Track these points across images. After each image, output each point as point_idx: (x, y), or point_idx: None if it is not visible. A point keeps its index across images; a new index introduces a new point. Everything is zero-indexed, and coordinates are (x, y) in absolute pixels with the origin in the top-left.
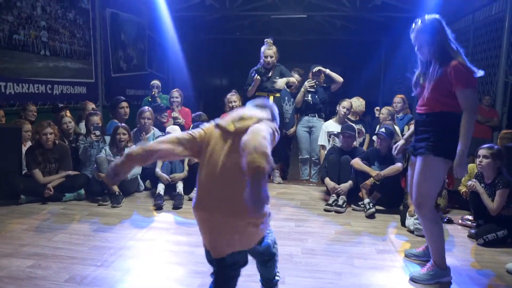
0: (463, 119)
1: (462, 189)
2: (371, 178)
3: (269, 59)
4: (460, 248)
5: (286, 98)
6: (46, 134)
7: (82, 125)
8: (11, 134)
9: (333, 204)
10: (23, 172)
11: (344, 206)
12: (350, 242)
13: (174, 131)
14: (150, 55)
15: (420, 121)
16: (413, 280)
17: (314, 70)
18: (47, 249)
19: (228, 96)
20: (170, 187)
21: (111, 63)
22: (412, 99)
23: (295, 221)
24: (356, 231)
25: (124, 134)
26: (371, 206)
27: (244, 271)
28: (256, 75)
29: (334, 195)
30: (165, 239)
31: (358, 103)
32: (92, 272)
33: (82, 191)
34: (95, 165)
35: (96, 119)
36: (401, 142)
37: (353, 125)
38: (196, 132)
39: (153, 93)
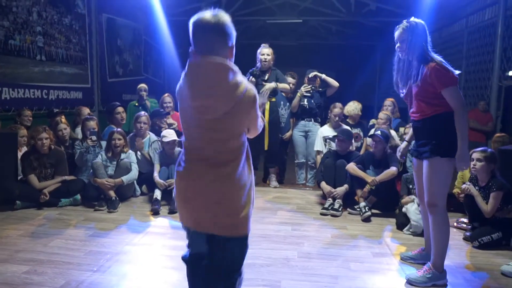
0: (455, 116)
1: (456, 191)
2: (367, 185)
3: (265, 56)
4: (456, 251)
5: (282, 102)
6: (42, 139)
7: (78, 130)
8: (6, 139)
9: (329, 208)
10: (19, 177)
11: (340, 209)
12: (346, 245)
13: (170, 135)
14: (146, 60)
15: (418, 128)
16: (409, 282)
17: (310, 76)
18: (42, 255)
19: None
20: (167, 192)
21: (107, 68)
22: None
23: (292, 225)
24: (352, 235)
25: (119, 139)
26: (367, 210)
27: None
28: (251, 77)
29: (330, 199)
30: (162, 244)
31: (353, 107)
32: (88, 278)
33: (78, 196)
34: (91, 170)
35: (92, 124)
36: (403, 144)
37: (349, 129)
38: None
39: (142, 95)
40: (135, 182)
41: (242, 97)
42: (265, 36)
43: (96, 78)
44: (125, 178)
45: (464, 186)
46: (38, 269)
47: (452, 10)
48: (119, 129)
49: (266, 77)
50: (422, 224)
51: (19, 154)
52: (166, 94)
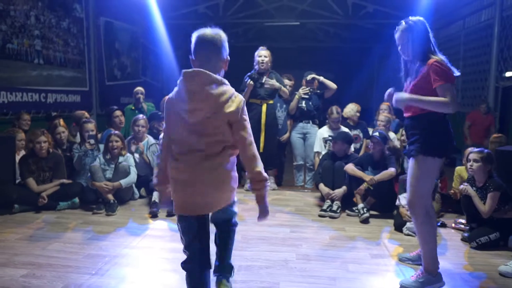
0: (440, 102)
1: (453, 190)
2: (365, 183)
3: (263, 58)
4: (454, 252)
5: (278, 104)
6: (40, 142)
7: (76, 134)
8: (4, 143)
9: (328, 210)
10: (17, 181)
11: (338, 211)
12: (344, 247)
13: None
14: (144, 63)
15: (408, 125)
16: None
17: (308, 78)
18: (41, 258)
19: None
20: None
21: (105, 71)
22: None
23: (290, 227)
24: (350, 236)
25: (116, 141)
26: (365, 211)
27: (238, 277)
28: (249, 80)
29: (328, 200)
30: (160, 247)
31: (349, 108)
32: (86, 281)
33: (77, 200)
34: (90, 174)
35: (91, 127)
36: None
37: (348, 131)
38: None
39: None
40: (133, 185)
41: (226, 103)
42: (263, 38)
43: (94, 82)
44: (123, 182)
45: (461, 186)
46: (37, 272)
47: (449, 11)
48: (116, 132)
49: (264, 79)
50: None
51: (17, 158)
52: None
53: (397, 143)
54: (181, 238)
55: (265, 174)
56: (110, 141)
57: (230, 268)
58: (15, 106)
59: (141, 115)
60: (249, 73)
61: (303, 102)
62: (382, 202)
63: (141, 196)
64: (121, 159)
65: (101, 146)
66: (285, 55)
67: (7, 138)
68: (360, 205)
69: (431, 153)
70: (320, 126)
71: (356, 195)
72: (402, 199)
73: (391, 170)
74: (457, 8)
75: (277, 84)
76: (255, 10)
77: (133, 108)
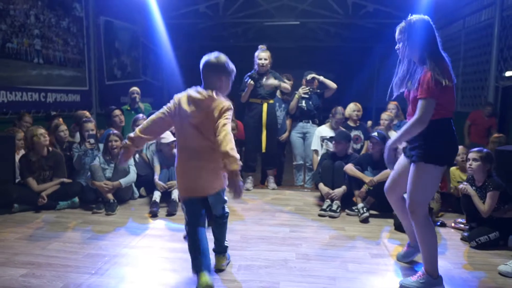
0: (412, 120)
1: (453, 185)
2: (365, 185)
3: (263, 61)
4: (453, 251)
5: (277, 104)
6: (42, 133)
7: (76, 134)
8: (4, 142)
9: (327, 209)
10: (17, 180)
11: (338, 211)
12: (344, 246)
13: (168, 137)
14: (144, 62)
15: None
16: None
17: (308, 78)
18: (40, 258)
19: None
20: (166, 195)
21: (105, 70)
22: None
23: (290, 227)
24: (350, 236)
25: (116, 140)
26: (365, 211)
27: (238, 277)
28: (249, 80)
29: (328, 200)
30: (160, 246)
31: (348, 107)
32: (86, 280)
33: (76, 199)
34: (89, 173)
35: (91, 126)
36: (404, 144)
37: (347, 131)
38: (169, 104)
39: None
40: (133, 184)
41: (214, 109)
42: (263, 38)
43: (94, 81)
44: (123, 181)
45: (461, 186)
46: (36, 272)
47: (449, 11)
48: (115, 131)
49: (263, 81)
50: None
51: (17, 157)
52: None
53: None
54: (185, 216)
55: (234, 153)
56: (109, 141)
57: (225, 248)
58: (14, 105)
59: (141, 115)
60: (249, 73)
61: (303, 101)
62: (381, 202)
63: (140, 196)
64: None
65: (101, 146)
66: (285, 54)
67: (7, 138)
68: (360, 205)
69: (433, 161)
70: (319, 126)
71: (356, 194)
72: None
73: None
74: (457, 8)
75: (275, 82)
76: (255, 10)
77: (128, 108)
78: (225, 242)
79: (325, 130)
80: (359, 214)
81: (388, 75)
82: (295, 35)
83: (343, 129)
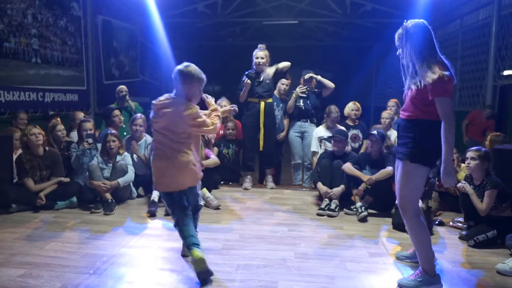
0: (443, 127)
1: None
2: (363, 184)
3: (259, 60)
4: (451, 250)
5: (276, 103)
6: (35, 134)
7: (73, 134)
8: (1, 142)
9: (326, 209)
10: (14, 180)
11: (336, 210)
12: (342, 245)
13: None
14: (143, 62)
15: (401, 126)
16: (401, 287)
17: (305, 77)
18: (38, 258)
19: (218, 102)
20: None
21: (103, 70)
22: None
23: (288, 226)
24: (348, 235)
25: (113, 141)
26: (363, 210)
27: (236, 276)
28: (246, 78)
29: (326, 199)
30: (158, 246)
31: (347, 106)
32: (84, 280)
33: (74, 199)
34: (87, 173)
35: (89, 126)
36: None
37: (345, 130)
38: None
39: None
40: (131, 184)
41: (183, 113)
42: (261, 37)
43: (92, 80)
44: (121, 180)
45: (459, 184)
46: (34, 272)
47: (447, 10)
48: (113, 131)
49: (261, 78)
50: None
51: (14, 157)
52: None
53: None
54: (168, 208)
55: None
56: (107, 141)
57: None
58: (12, 105)
59: (139, 114)
60: (246, 72)
61: (301, 101)
62: (380, 201)
63: (139, 195)
64: (118, 158)
65: (99, 146)
66: (283, 54)
67: (4, 137)
68: (358, 204)
69: (419, 161)
70: (318, 125)
71: (354, 193)
72: None
73: (389, 169)
74: (455, 7)
75: (272, 69)
76: (253, 9)
77: (116, 107)
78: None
79: (322, 131)
80: (358, 213)
81: (386, 74)
82: (293, 34)
83: (341, 128)
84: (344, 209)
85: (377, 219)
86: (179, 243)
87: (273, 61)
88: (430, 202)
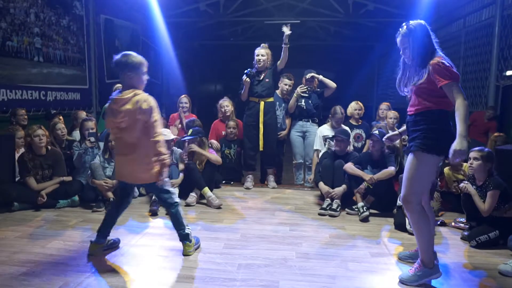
0: (456, 105)
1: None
2: (365, 183)
3: (260, 57)
4: (453, 250)
5: (277, 103)
6: (39, 135)
7: (75, 133)
8: (4, 140)
9: (327, 208)
10: (16, 179)
11: (338, 210)
12: (344, 245)
13: (168, 134)
14: None
15: (410, 122)
16: (402, 282)
17: (307, 77)
18: (40, 256)
19: (220, 101)
20: None
21: (105, 69)
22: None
23: (290, 226)
24: (350, 235)
25: None
26: (365, 210)
27: (238, 276)
28: (245, 77)
29: (328, 199)
30: (159, 245)
31: (349, 106)
32: (86, 279)
33: (76, 198)
34: (89, 172)
35: (91, 124)
36: (394, 132)
37: (347, 129)
38: None
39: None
40: None
41: (135, 108)
42: (263, 36)
43: (94, 79)
44: None
45: (461, 185)
46: (36, 270)
47: (450, 10)
48: None
49: (262, 77)
50: None
51: (17, 156)
52: (184, 95)
53: (397, 142)
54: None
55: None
56: (109, 140)
57: (186, 235)
58: (14, 104)
59: None
60: (246, 70)
61: (303, 100)
62: (381, 201)
63: (140, 194)
64: None
65: (101, 144)
66: None
67: (6, 136)
68: (360, 204)
69: (430, 150)
70: (319, 125)
71: (356, 193)
72: None
73: (391, 169)
74: (457, 7)
75: (287, 30)
76: (255, 8)
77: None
78: (184, 230)
79: (327, 130)
80: (359, 213)
81: (388, 74)
82: (295, 34)
83: (343, 127)
84: (346, 209)
85: (379, 219)
86: (180, 243)
87: (274, 60)
88: (432, 203)
